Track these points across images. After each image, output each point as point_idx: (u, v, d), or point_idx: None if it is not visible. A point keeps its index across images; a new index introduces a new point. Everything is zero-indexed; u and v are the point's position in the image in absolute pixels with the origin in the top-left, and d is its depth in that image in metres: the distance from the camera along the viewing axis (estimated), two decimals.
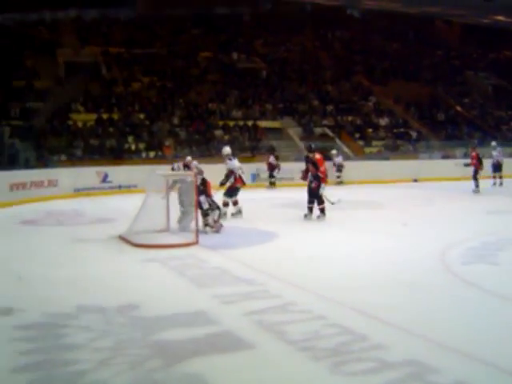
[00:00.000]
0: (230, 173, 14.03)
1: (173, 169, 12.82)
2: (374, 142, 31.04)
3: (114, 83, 30.17)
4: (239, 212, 14.30)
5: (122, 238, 10.98)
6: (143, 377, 4.53)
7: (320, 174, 13.49)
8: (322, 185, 13.50)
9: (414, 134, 32.91)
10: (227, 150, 14.58)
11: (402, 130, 33.32)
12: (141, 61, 32.57)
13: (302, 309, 6.26)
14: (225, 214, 13.58)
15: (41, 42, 31.34)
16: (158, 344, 5.22)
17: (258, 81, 34.38)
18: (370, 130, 32.39)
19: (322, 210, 13.57)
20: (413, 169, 27.03)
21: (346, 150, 28.86)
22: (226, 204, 13.88)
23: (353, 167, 26.03)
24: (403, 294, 6.99)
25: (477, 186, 20.51)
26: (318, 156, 13.90)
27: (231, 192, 14.12)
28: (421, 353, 4.97)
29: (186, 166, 13.09)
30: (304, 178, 13.99)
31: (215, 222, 11.94)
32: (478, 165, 20.61)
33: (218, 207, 12.19)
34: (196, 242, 10.46)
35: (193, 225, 11.01)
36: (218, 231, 11.85)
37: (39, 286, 7.52)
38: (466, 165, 21.18)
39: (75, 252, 10.02)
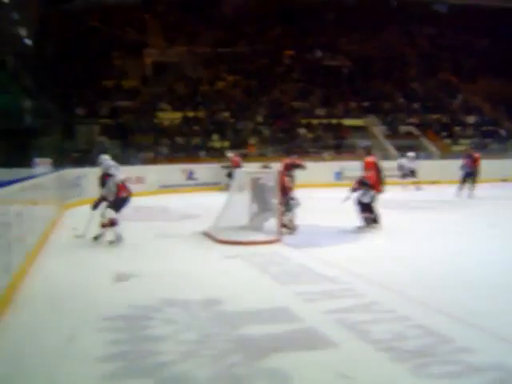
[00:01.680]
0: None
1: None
2: (462, 141, 30.26)
3: (200, 82, 30.66)
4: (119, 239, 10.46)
5: (206, 234, 11.13)
6: (225, 370, 4.57)
7: (366, 180, 11.90)
8: (371, 192, 11.85)
9: (503, 133, 31.89)
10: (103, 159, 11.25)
11: (490, 128, 32.36)
12: (226, 60, 32.91)
13: (385, 308, 6.17)
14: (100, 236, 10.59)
15: (128, 43, 32.16)
16: (240, 339, 5.26)
17: (342, 78, 34.12)
18: (458, 128, 31.61)
19: (366, 219, 11.92)
20: (501, 168, 26.17)
21: (432, 148, 28.29)
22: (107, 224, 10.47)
23: (438, 166, 25.43)
24: (492, 295, 6.77)
25: None
26: (368, 159, 12.30)
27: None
28: (509, 357, 4.81)
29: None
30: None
31: (290, 221, 11.68)
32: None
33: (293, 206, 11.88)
34: (279, 240, 10.49)
35: (268, 223, 11.08)
36: (292, 232, 11.48)
37: (125, 279, 7.71)
38: None
39: (161, 247, 10.22)
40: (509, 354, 4.93)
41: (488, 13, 41.28)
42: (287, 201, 11.60)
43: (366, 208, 11.91)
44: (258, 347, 5.03)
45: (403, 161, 23.15)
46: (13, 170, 12.08)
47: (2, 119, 14.97)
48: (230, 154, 22.40)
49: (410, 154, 23.38)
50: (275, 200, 10.88)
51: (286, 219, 11.54)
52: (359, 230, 11.75)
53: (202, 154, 24.94)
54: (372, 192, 11.86)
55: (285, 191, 11.44)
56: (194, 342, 5.19)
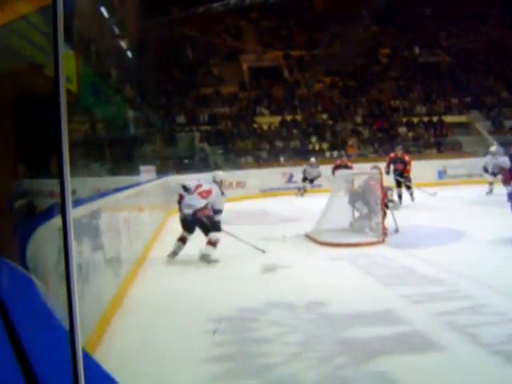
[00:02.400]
0: None
1: (185, 188, 9.81)
2: None
3: (297, 85, 30.75)
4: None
5: (308, 237, 11.14)
6: (332, 373, 4.55)
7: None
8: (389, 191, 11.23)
9: None
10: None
11: None
12: (322, 61, 32.86)
13: (494, 311, 5.97)
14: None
15: (225, 50, 32.68)
16: (346, 341, 5.23)
17: (442, 74, 33.33)
18: None
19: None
20: None
21: None
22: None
23: None
24: None
25: None
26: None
27: None
28: None
29: (346, 166, 12.85)
30: None
31: (378, 225, 10.80)
32: None
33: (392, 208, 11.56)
34: (382, 241, 10.36)
35: (371, 225, 10.94)
36: (382, 239, 10.51)
37: (230, 281, 7.83)
38: None
39: (266, 250, 10.27)
40: None
41: None
42: (385, 203, 11.30)
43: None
44: (364, 350, 4.98)
45: (487, 159, 19.07)
46: (120, 178, 12.51)
47: (108, 130, 15.53)
48: (312, 160, 21.99)
49: (493, 148, 19.51)
50: (379, 201, 10.75)
51: (373, 223, 11.12)
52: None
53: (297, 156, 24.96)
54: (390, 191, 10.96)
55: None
56: (300, 344, 5.20)
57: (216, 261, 9.07)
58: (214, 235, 9.16)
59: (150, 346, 5.30)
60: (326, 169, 19.90)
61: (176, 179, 17.62)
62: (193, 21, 31.69)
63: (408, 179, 16.21)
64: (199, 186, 9.62)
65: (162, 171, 17.36)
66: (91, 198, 6.53)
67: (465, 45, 36.25)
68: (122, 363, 4.78)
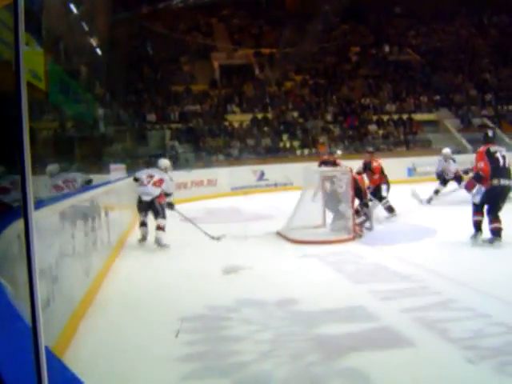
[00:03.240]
0: None
1: (136, 179, 11.00)
2: None
3: (268, 83, 30.75)
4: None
5: (280, 234, 11.16)
6: (303, 370, 4.56)
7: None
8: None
9: None
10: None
11: None
12: (292, 59, 32.93)
13: (463, 306, 6.03)
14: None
15: (196, 48, 32.56)
16: (317, 338, 5.25)
17: (412, 73, 33.62)
18: None
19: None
20: None
21: (507, 140, 27.51)
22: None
23: None
24: None
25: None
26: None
27: None
28: None
29: (333, 163, 12.79)
30: None
31: (358, 225, 11.02)
32: None
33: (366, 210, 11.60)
34: (353, 238, 10.41)
35: (347, 224, 10.97)
36: (360, 236, 10.78)
37: (202, 280, 7.80)
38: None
39: (234, 248, 10.29)
40: None
41: None
42: (365, 203, 11.50)
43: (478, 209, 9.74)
44: (336, 346, 5.01)
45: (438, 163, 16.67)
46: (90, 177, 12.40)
47: (78, 128, 15.40)
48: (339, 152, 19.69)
49: (445, 150, 16.70)
50: (350, 200, 10.78)
51: (359, 221, 11.23)
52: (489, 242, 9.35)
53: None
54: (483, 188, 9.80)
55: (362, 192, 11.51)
56: (271, 341, 5.20)
57: (166, 246, 10.28)
58: (161, 221, 10.41)
59: (120, 345, 5.27)
60: (295, 167, 19.65)
61: None
62: (163, 18, 31.55)
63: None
64: (151, 176, 10.77)
65: (132, 169, 17.25)
66: (57, 198, 6.46)
67: (434, 43, 36.62)
68: (92, 364, 4.74)
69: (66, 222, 5.84)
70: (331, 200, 11.46)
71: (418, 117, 29.53)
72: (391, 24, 37.91)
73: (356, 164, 12.98)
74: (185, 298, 6.84)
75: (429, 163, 22.67)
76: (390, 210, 12.97)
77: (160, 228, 10.37)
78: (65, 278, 5.32)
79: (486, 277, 7.26)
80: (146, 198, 10.53)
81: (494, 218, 9.23)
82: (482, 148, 9.73)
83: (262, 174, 22.46)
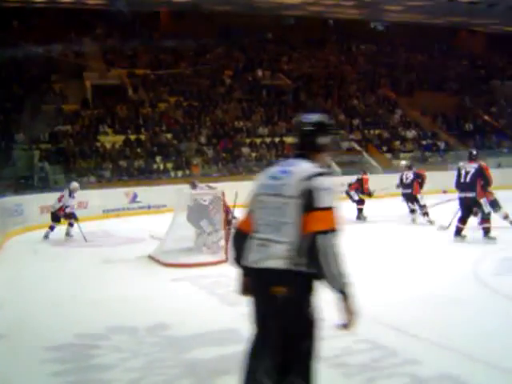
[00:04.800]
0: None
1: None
2: (402, 155, 30.84)
3: (141, 104, 30.46)
4: None
5: (152, 258, 11.01)
6: None
7: None
8: None
9: (442, 145, 32.72)
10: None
11: (429, 141, 33.14)
12: (166, 81, 32.88)
13: (331, 325, 6.17)
14: None
15: (68, 67, 31.79)
16: (189, 363, 5.21)
17: (284, 97, 34.46)
18: (398, 142, 32.29)
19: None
20: (442, 180, 26.71)
21: (373, 163, 28.75)
22: None
23: (383, 180, 25.79)
24: (434, 307, 6.88)
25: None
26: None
27: None
28: (453, 367, 4.88)
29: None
30: None
31: (214, 243, 11.42)
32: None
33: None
34: (226, 260, 10.43)
35: (208, 243, 11.03)
36: (215, 252, 11.16)
37: (70, 307, 7.55)
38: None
39: (105, 273, 10.06)
40: (454, 364, 4.99)
41: (423, 30, 42.45)
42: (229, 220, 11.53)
43: None
44: (208, 371, 4.99)
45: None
46: None
47: None
48: None
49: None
50: (220, 221, 10.85)
51: (209, 240, 11.46)
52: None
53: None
54: None
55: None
56: (142, 368, 5.11)
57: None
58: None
59: None
60: (169, 189, 19.34)
61: (13, 200, 16.88)
62: (34, 35, 30.65)
63: None
64: (61, 196, 15.23)
65: None
66: None
67: (305, 69, 37.77)
68: None
69: None
70: (194, 214, 11.50)
71: (289, 140, 30.21)
72: (264, 49, 38.76)
73: (230, 186, 13.05)
74: (53, 327, 6.58)
75: None
76: None
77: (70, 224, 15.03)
78: None
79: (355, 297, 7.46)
80: (53, 210, 15.34)
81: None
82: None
83: (135, 195, 22.12)
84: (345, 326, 3.51)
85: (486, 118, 37.20)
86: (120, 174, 24.66)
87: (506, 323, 6.18)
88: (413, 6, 36.00)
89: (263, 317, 3.60)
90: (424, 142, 32.91)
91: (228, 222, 11.40)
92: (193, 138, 28.41)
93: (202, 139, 28.54)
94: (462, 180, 11.61)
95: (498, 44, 45.52)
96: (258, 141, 29.40)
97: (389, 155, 30.59)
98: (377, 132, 32.90)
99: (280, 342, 3.40)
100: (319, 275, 3.38)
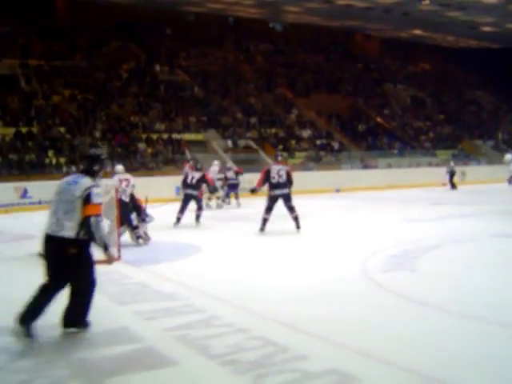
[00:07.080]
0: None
1: None
2: (297, 154, 31.51)
3: (34, 96, 29.56)
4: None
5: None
6: None
7: None
8: None
9: (336, 145, 33.61)
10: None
11: (324, 141, 33.97)
12: (61, 73, 32.03)
13: (224, 322, 6.25)
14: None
15: None
16: (78, 364, 5.12)
17: (181, 93, 34.34)
18: (293, 141, 32.87)
19: None
20: (335, 179, 27.50)
21: (269, 161, 29.14)
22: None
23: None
24: (325, 303, 7.05)
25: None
26: None
27: None
28: (341, 362, 5.04)
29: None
30: None
31: (145, 234, 12.19)
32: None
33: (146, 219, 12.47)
34: (118, 258, 10.30)
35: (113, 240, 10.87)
36: (147, 243, 12.06)
37: None
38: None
39: None
40: (342, 358, 5.17)
41: (320, 32, 43.43)
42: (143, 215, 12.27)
43: None
44: (98, 371, 4.93)
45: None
46: None
47: None
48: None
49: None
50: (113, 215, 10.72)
51: (141, 231, 12.04)
52: None
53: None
54: None
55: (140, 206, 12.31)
56: (30, 370, 4.98)
57: None
58: None
59: None
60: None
61: None
62: None
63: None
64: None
65: None
66: None
67: (203, 66, 37.80)
68: None
69: None
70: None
71: (186, 136, 30.19)
72: (162, 44, 38.47)
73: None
74: None
75: None
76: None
77: None
78: None
79: (245, 293, 7.60)
80: None
81: None
82: None
83: (26, 191, 21.44)
84: (107, 263, 6.24)
85: (379, 119, 38.57)
86: (10, 168, 23.83)
87: (394, 318, 6.41)
88: (311, 8, 36.82)
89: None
90: (319, 142, 33.69)
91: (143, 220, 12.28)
92: (87, 132, 27.85)
93: (97, 134, 28.05)
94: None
95: (392, 49, 47.30)
96: (155, 136, 29.19)
97: (285, 154, 31.08)
98: (273, 131, 33.40)
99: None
100: (92, 240, 5.80)
